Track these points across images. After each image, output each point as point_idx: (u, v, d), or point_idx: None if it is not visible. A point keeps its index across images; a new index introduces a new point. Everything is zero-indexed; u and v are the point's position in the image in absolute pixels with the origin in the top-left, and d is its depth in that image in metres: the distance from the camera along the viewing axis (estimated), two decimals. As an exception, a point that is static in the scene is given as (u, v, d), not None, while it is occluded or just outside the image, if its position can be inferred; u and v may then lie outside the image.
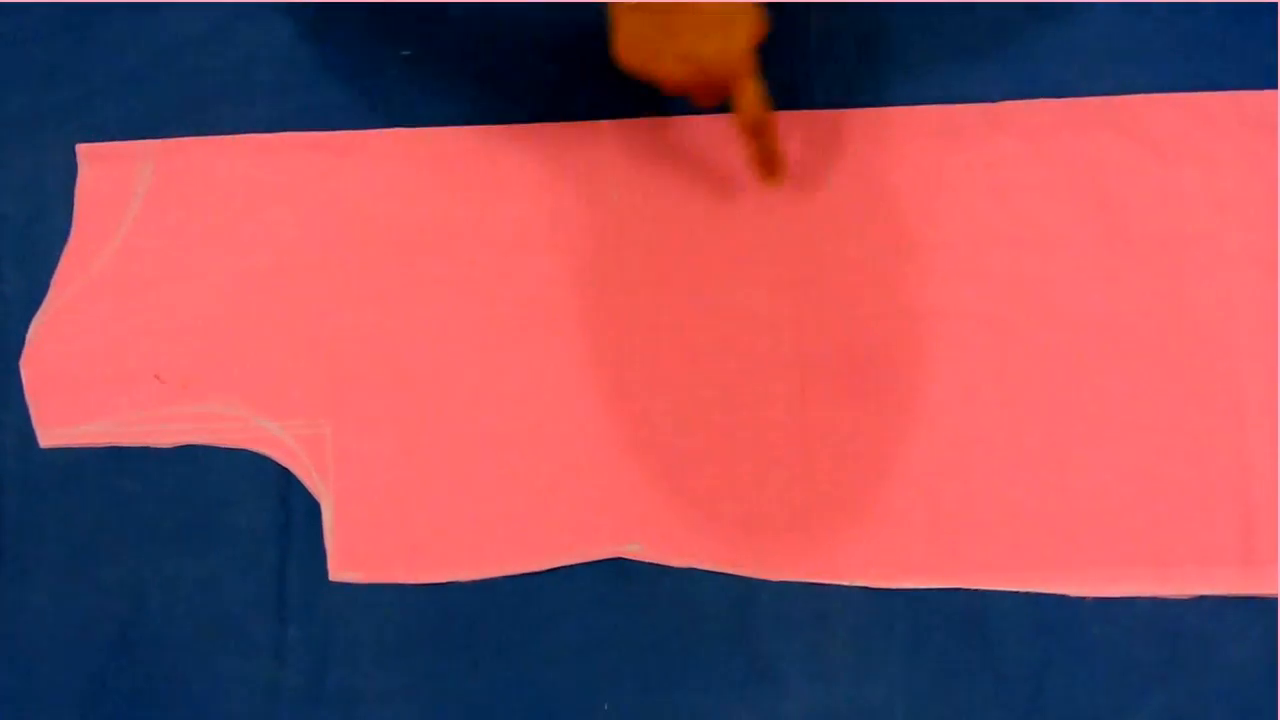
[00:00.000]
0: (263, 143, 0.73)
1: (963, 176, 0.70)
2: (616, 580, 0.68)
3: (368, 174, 0.72)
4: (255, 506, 0.69)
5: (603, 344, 0.70)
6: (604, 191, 0.72)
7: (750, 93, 0.62)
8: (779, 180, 0.66)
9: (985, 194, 0.70)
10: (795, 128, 0.71)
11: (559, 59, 0.73)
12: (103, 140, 0.73)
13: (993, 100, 0.71)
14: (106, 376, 0.70)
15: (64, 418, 0.70)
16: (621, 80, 0.72)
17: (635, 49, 0.61)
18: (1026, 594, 0.66)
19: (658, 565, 0.68)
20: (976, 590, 0.66)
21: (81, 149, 0.73)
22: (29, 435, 0.70)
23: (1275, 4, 0.71)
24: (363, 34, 0.73)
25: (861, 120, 0.71)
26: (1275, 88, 0.70)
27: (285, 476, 0.69)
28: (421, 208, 0.72)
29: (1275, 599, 0.65)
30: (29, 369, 0.71)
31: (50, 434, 0.70)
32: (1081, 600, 0.66)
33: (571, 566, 0.68)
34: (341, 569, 0.68)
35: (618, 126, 0.73)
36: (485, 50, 0.74)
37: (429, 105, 0.73)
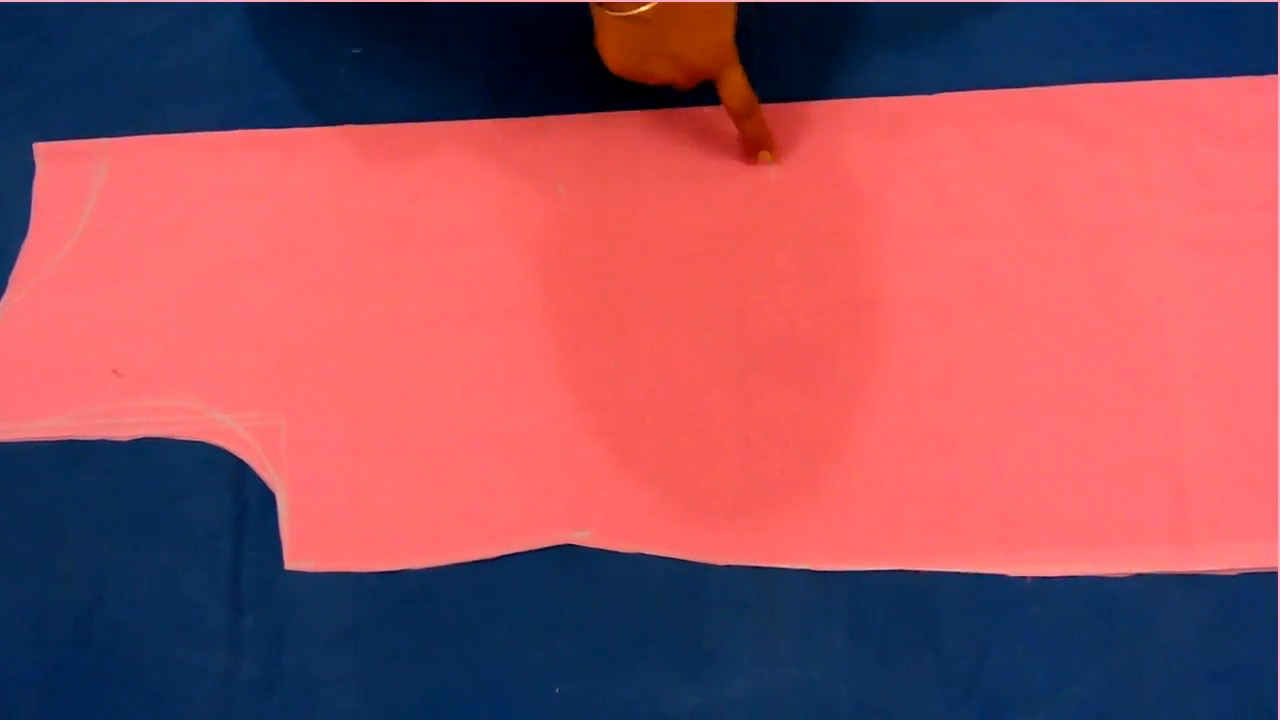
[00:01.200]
0: (215, 140, 0.74)
1: (902, 167, 0.72)
2: (565, 566, 0.69)
3: (319, 170, 0.74)
4: (211, 498, 0.70)
5: (550, 335, 0.71)
6: (551, 186, 0.73)
7: (736, 80, 0.65)
8: (773, 156, 0.70)
9: (924, 183, 0.71)
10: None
11: (506, 55, 0.75)
12: (59, 139, 0.74)
13: (931, 93, 0.73)
14: (63, 371, 0.72)
15: (21, 412, 0.71)
16: (569, 75, 0.73)
17: (627, 55, 0.64)
18: (966, 574, 0.67)
19: (605, 551, 0.69)
20: (917, 572, 0.67)
21: (39, 148, 0.74)
22: (-14, 430, 0.71)
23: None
24: (313, 32, 0.75)
25: (802, 113, 0.73)
26: (1204, 77, 0.72)
27: (240, 468, 0.70)
28: (372, 203, 0.73)
29: (1208, 576, 0.67)
30: (-14, 364, 0.72)
31: (7, 428, 0.71)
32: (1020, 580, 0.67)
33: (521, 554, 0.69)
34: (296, 558, 0.69)
35: (565, 122, 0.74)
36: (434, 47, 0.75)
37: (379, 102, 0.75)
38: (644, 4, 0.60)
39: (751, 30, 0.74)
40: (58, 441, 0.71)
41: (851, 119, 0.72)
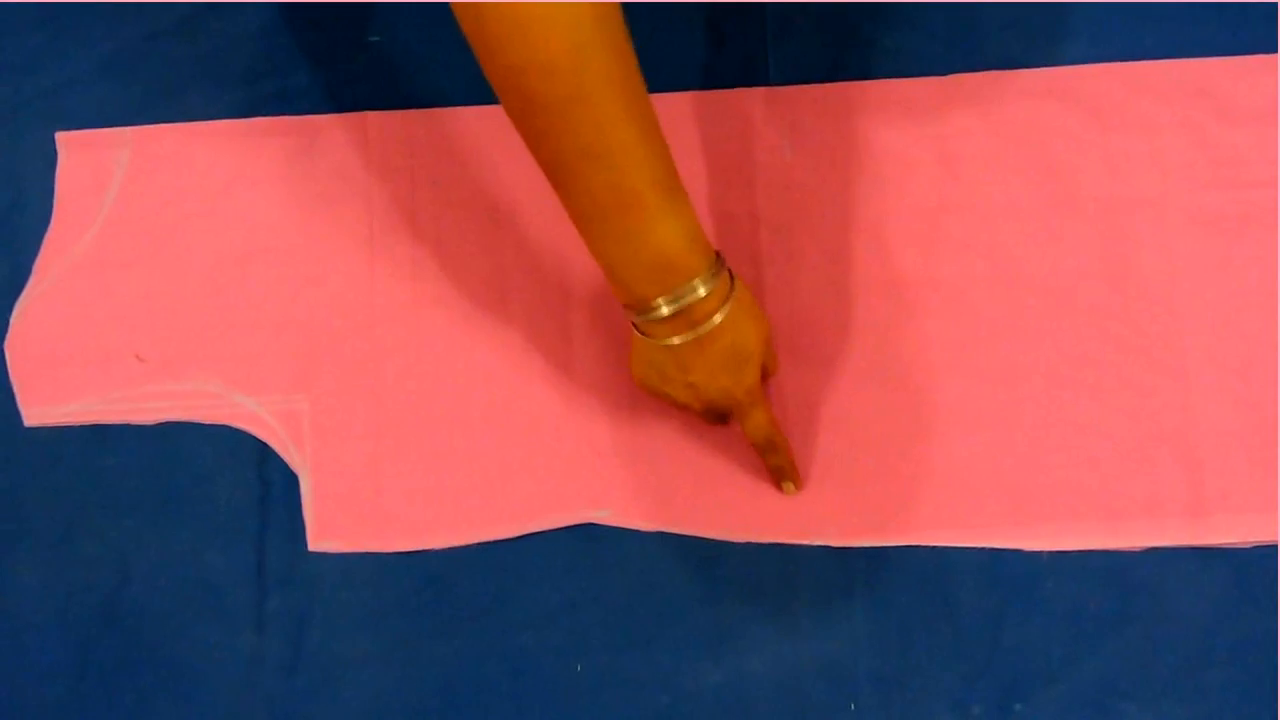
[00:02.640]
0: (236, 128, 0.75)
1: (916, 148, 0.72)
2: (587, 545, 0.70)
3: (338, 157, 0.74)
4: (235, 480, 0.71)
5: (569, 316, 0.72)
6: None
7: (758, 419, 0.65)
8: (797, 487, 0.68)
9: (937, 164, 0.72)
10: (753, 104, 0.73)
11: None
12: (81, 128, 0.75)
13: (943, 74, 0.73)
14: (88, 357, 0.72)
15: (47, 397, 0.72)
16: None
17: (647, 372, 0.63)
18: (982, 550, 0.68)
19: (627, 530, 0.70)
20: (934, 547, 0.68)
21: (61, 137, 0.75)
22: (13, 415, 0.72)
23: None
24: (331, 21, 0.76)
25: (818, 95, 0.73)
26: (1214, 56, 0.72)
27: (263, 451, 0.71)
28: (392, 189, 0.74)
29: (1222, 549, 0.67)
30: (13, 351, 0.73)
31: (34, 413, 0.72)
32: (1036, 555, 0.68)
33: (543, 533, 0.70)
34: (320, 539, 0.70)
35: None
36: (451, 33, 0.76)
37: (398, 89, 0.75)
38: (672, 340, 0.59)
39: (767, 13, 0.74)
40: (83, 426, 0.72)
41: (866, 101, 0.73)
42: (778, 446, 0.66)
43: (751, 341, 0.61)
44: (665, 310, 0.58)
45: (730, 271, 0.61)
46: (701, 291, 0.58)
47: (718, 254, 0.60)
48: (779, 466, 0.67)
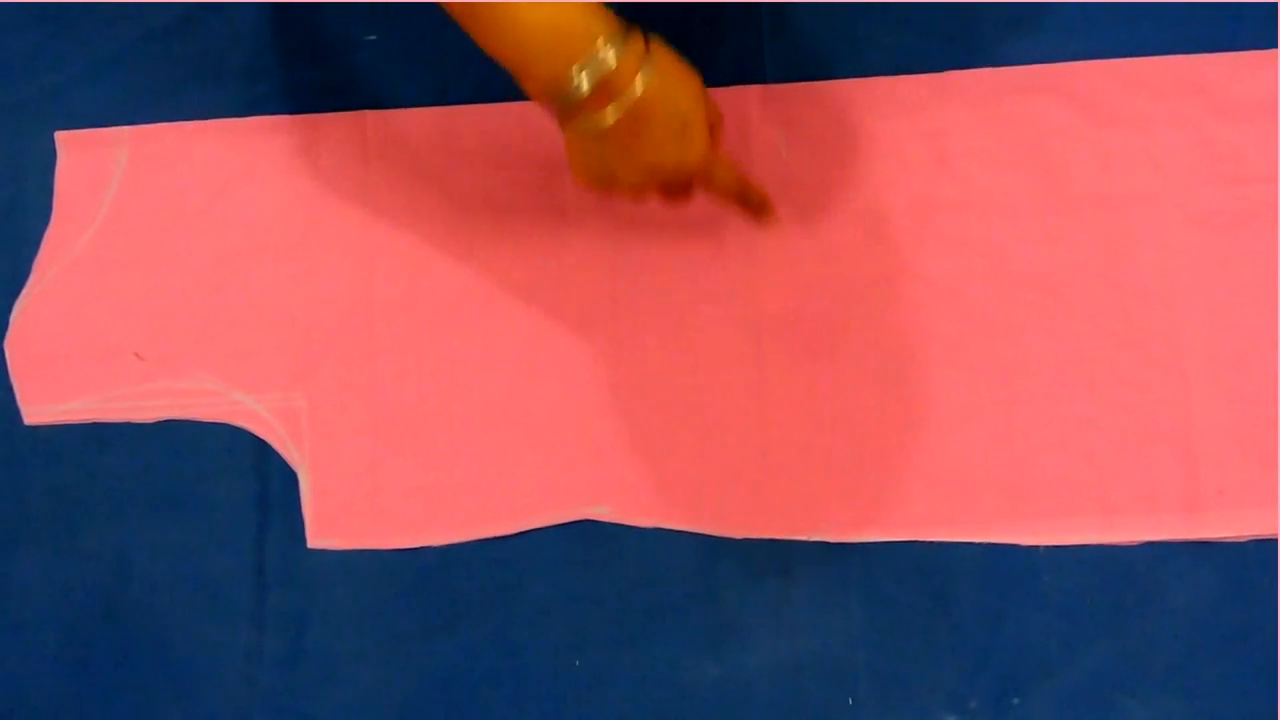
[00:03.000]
0: (235, 126, 0.75)
1: (912, 144, 0.72)
2: (585, 541, 0.70)
3: (337, 155, 0.75)
4: (234, 478, 0.71)
5: (566, 314, 0.72)
6: (565, 169, 0.74)
7: (721, 176, 0.63)
8: (772, 218, 0.68)
9: (934, 161, 0.72)
10: (749, 101, 0.73)
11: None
12: (80, 127, 0.75)
13: (939, 71, 0.73)
14: (88, 355, 0.73)
15: (47, 395, 0.72)
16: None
17: (594, 168, 0.60)
18: (979, 545, 0.68)
19: (625, 526, 0.70)
20: (931, 542, 0.69)
21: (60, 136, 0.75)
22: (13, 413, 0.72)
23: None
24: (329, 19, 0.76)
25: (814, 93, 0.74)
26: (1209, 52, 0.73)
27: (262, 448, 0.72)
28: (390, 187, 0.74)
29: (1218, 543, 0.67)
30: (12, 349, 0.73)
31: (34, 411, 0.72)
32: (1033, 549, 0.68)
33: (541, 529, 0.70)
34: (318, 536, 0.70)
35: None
36: (449, 32, 0.76)
37: (396, 87, 0.76)
38: (604, 121, 0.56)
39: (762, 11, 0.74)
40: (83, 424, 0.72)
41: (862, 98, 0.73)
42: (749, 188, 0.66)
43: (685, 102, 0.58)
44: (584, 85, 0.55)
45: (645, 35, 0.57)
46: (610, 56, 0.55)
47: (626, 22, 0.57)
48: (758, 205, 0.66)
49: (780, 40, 0.74)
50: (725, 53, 0.74)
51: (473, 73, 0.76)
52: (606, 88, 0.56)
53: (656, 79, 0.57)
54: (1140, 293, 0.70)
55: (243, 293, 0.73)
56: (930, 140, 0.72)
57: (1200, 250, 0.70)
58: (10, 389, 0.72)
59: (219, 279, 0.73)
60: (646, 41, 0.57)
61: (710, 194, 0.65)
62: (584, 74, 0.55)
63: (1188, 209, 0.71)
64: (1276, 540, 0.67)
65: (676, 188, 0.64)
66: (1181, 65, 0.72)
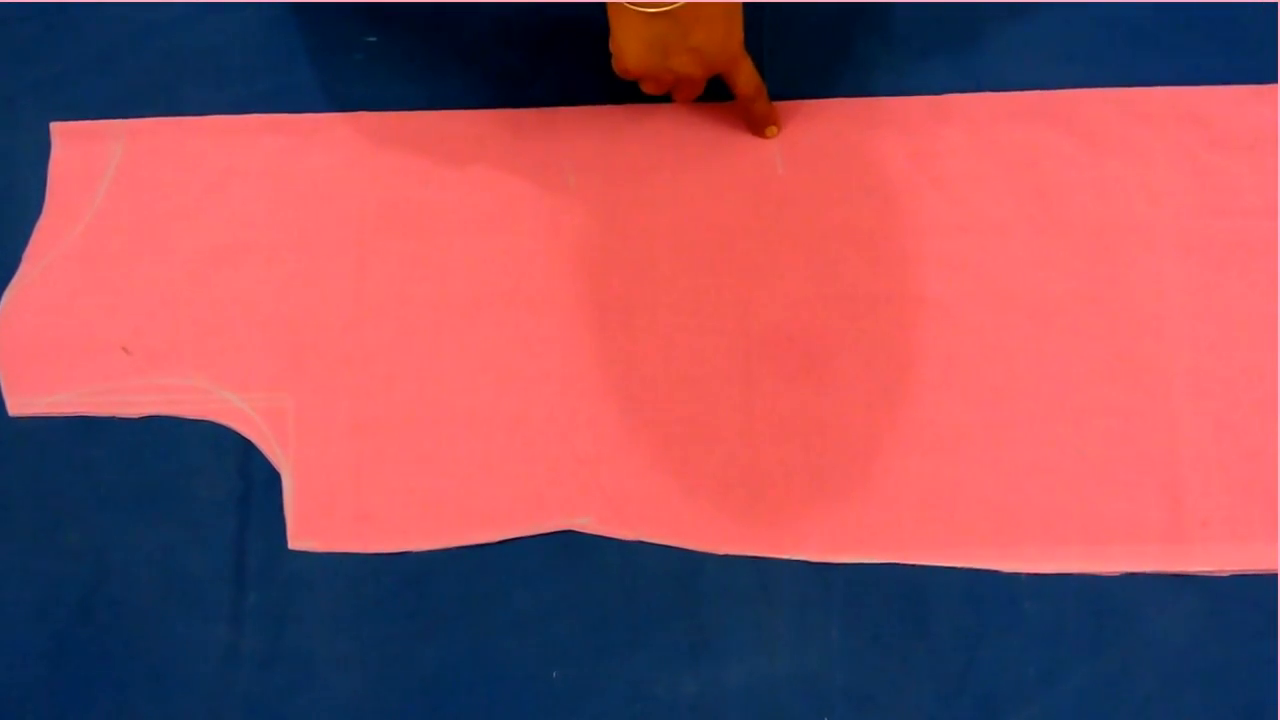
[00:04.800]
0: (231, 124, 0.75)
1: (907, 165, 0.72)
2: (566, 552, 0.70)
3: (332, 155, 0.75)
4: (217, 476, 0.71)
5: (555, 323, 0.72)
6: (562, 176, 0.74)
7: (748, 69, 0.69)
8: (778, 128, 0.73)
9: (929, 183, 0.72)
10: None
11: (520, 45, 0.76)
12: (76, 119, 0.75)
13: (938, 93, 0.74)
14: (75, 348, 0.72)
15: (33, 387, 0.72)
16: (581, 66, 0.74)
17: (650, 51, 0.65)
18: (962, 569, 0.68)
19: (606, 538, 0.70)
20: (914, 565, 0.68)
21: (55, 127, 0.75)
22: (-2, 404, 0.72)
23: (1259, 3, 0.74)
24: (328, 20, 0.76)
25: (812, 111, 0.74)
26: (1208, 84, 0.73)
27: (246, 447, 0.71)
28: (384, 189, 0.74)
29: (1201, 576, 0.67)
30: (0, 339, 0.73)
31: (20, 403, 0.72)
32: (1015, 576, 0.68)
33: (522, 538, 0.70)
34: (300, 538, 0.70)
35: (576, 112, 0.75)
36: (448, 36, 0.76)
37: (393, 89, 0.76)
38: (672, 2, 0.62)
39: (764, 28, 0.74)
40: (68, 417, 0.72)
41: (861, 117, 0.73)
42: (764, 92, 0.71)
43: None
44: None
45: None
46: None
47: None
48: (764, 112, 0.72)
49: (781, 57, 0.74)
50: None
51: (471, 78, 0.76)
52: None
53: None
54: (1131, 322, 0.70)
55: (233, 291, 0.73)
56: (927, 162, 0.72)
57: (1194, 282, 0.70)
58: (-4, 379, 0.72)
59: (210, 276, 0.73)
60: None
61: (734, 88, 0.70)
62: None
63: (1183, 240, 0.71)
64: (1263, 575, 0.67)
65: (706, 80, 0.69)
66: (1180, 96, 0.72)
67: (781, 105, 0.73)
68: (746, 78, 0.69)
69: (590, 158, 0.74)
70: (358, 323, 0.72)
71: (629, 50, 0.65)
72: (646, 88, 0.69)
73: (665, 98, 0.71)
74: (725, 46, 0.66)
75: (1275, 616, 0.67)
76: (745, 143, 0.74)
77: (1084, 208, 0.71)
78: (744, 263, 0.72)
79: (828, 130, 0.73)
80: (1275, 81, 0.73)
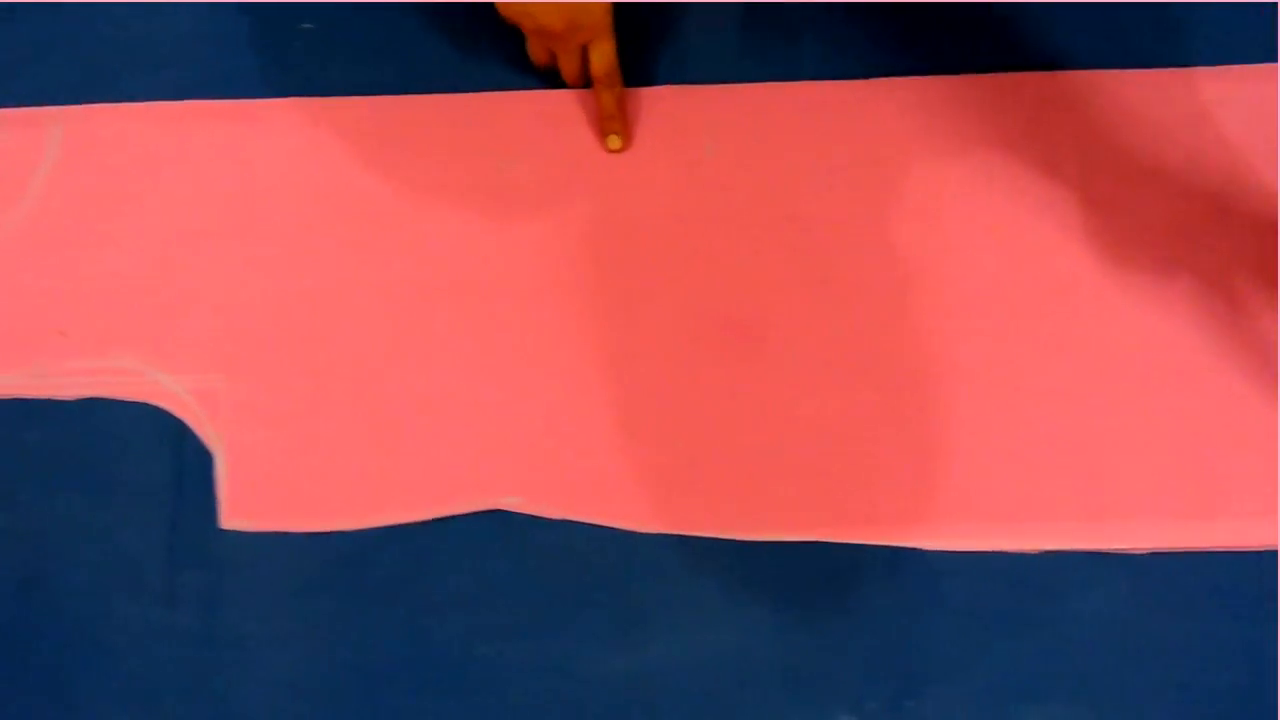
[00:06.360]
0: (170, 110, 0.76)
1: (838, 149, 0.74)
2: (497, 531, 0.70)
3: (270, 141, 0.75)
4: (152, 458, 0.72)
5: (487, 307, 0.73)
6: (502, 161, 0.75)
7: (605, 48, 0.70)
8: (622, 143, 0.73)
9: (859, 166, 0.73)
10: (677, 101, 0.75)
11: (457, 31, 0.77)
12: (14, 106, 0.76)
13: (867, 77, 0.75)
14: (12, 331, 0.73)
15: (-31, 369, 0.73)
16: (519, 53, 0.75)
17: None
18: (886, 547, 0.69)
19: (536, 517, 0.70)
20: (840, 544, 0.69)
21: (-7, 114, 0.76)
22: (-66, 385, 0.73)
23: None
24: (266, 7, 0.77)
25: (739, 96, 0.75)
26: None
27: (181, 429, 0.72)
28: (324, 174, 0.75)
29: (1123, 554, 0.68)
30: (-62, 323, 0.74)
31: (-44, 385, 0.73)
32: (937, 554, 0.69)
33: (453, 518, 0.71)
34: (232, 517, 0.71)
35: (518, 98, 0.76)
36: (386, 22, 0.77)
37: (332, 76, 0.77)
38: None
39: (693, 11, 0.75)
40: (4, 400, 0.73)
41: (790, 101, 0.74)
42: (616, 83, 0.72)
43: None
44: None
45: None
46: None
47: None
48: (610, 107, 0.72)
49: (708, 42, 0.76)
50: (653, 53, 0.75)
51: (408, 63, 0.77)
52: None
53: None
54: (1052, 304, 0.71)
55: (170, 275, 0.74)
56: (859, 145, 0.73)
57: (1105, 263, 0.71)
58: (-68, 361, 0.73)
59: (147, 260, 0.74)
60: None
61: (590, 64, 0.71)
62: None
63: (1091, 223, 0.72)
64: (1179, 552, 0.68)
65: (571, 46, 0.71)
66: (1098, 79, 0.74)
67: (704, 89, 0.75)
68: (602, 56, 0.71)
69: (533, 142, 0.75)
70: (293, 306, 0.73)
71: None
72: (532, 50, 0.71)
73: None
74: (589, 9, 0.68)
75: (1196, 593, 0.67)
76: (674, 130, 0.74)
77: (1003, 191, 0.72)
78: (677, 247, 0.73)
79: (756, 114, 0.74)
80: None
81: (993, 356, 0.70)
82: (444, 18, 0.77)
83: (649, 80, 0.75)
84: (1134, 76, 0.74)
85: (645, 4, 0.76)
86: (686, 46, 0.75)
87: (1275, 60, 0.74)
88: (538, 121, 0.75)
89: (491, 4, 0.69)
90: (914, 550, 0.69)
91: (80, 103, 0.76)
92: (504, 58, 0.76)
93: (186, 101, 0.76)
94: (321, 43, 0.77)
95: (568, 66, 0.73)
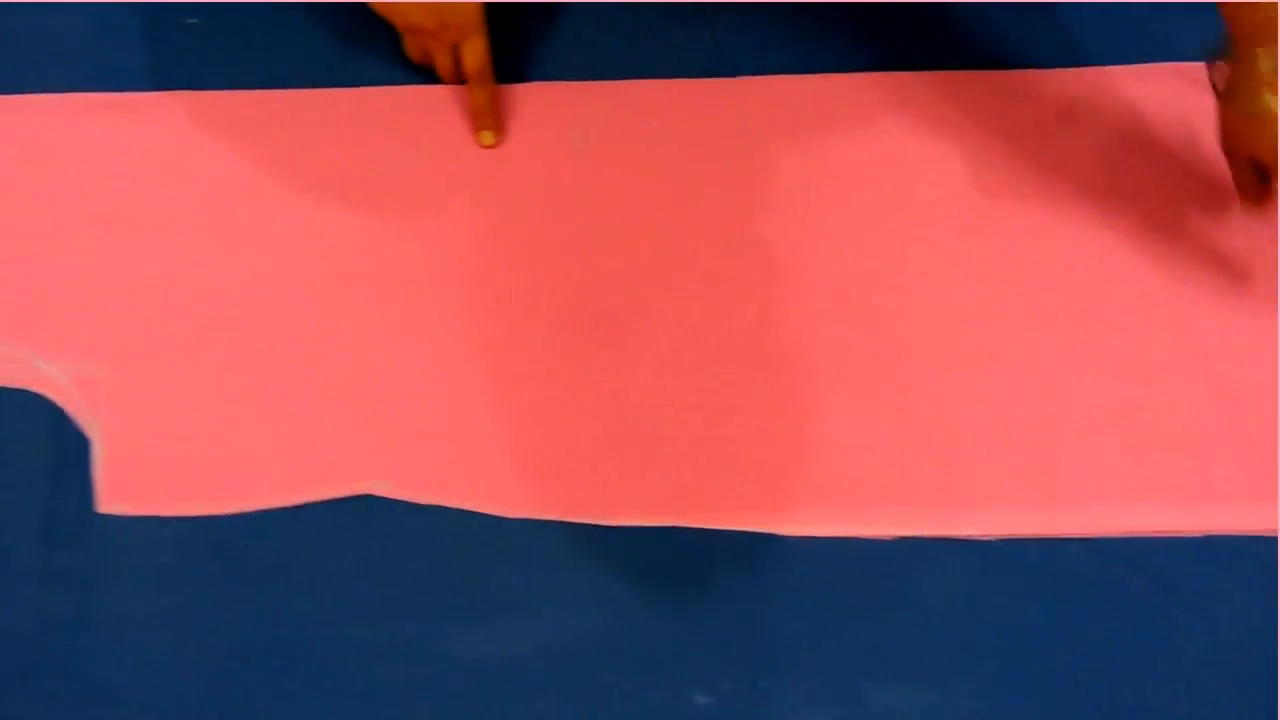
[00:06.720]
0: (56, 102, 0.78)
1: (700, 145, 0.77)
2: (365, 516, 0.72)
3: (157, 134, 0.78)
4: (31, 443, 0.73)
5: (356, 295, 0.75)
6: (379, 154, 0.77)
7: (478, 45, 0.72)
8: (494, 139, 0.75)
9: (718, 161, 0.76)
10: (543, 98, 0.78)
11: (342, 28, 0.79)
12: (-99, 98, 0.78)
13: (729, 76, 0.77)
14: (-107, 319, 0.75)
15: None
16: (402, 50, 0.77)
17: None
18: (739, 532, 0.71)
19: (402, 502, 0.72)
20: (698, 529, 0.71)
21: (-123, 107, 0.78)
22: None
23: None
24: (150, 4, 0.78)
25: (610, 92, 0.78)
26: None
27: (60, 415, 0.74)
28: (202, 167, 0.77)
29: (969, 540, 0.70)
30: None
31: None
32: (789, 539, 0.70)
33: (324, 502, 0.72)
34: (109, 502, 0.72)
35: (396, 94, 0.78)
36: (271, 19, 0.79)
37: (217, 70, 0.79)
38: None
39: (561, 11, 0.77)
40: (-115, 386, 0.74)
41: (654, 98, 0.77)
42: (488, 81, 0.74)
43: None
44: None
45: None
46: None
47: None
48: (481, 103, 0.75)
49: (581, 39, 0.78)
50: (527, 51, 0.77)
51: (291, 59, 0.79)
52: None
53: None
54: (911, 297, 0.73)
55: (51, 263, 0.76)
56: (719, 141, 0.76)
57: (969, 258, 0.73)
58: None
59: (29, 249, 0.76)
60: None
61: (462, 62, 0.74)
62: None
63: (960, 220, 0.74)
64: (1027, 539, 0.70)
65: (443, 43, 0.74)
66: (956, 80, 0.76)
67: (576, 86, 0.77)
68: (473, 53, 0.73)
69: (404, 138, 0.77)
70: (172, 295, 0.75)
71: None
72: (408, 47, 0.73)
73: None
74: (458, 7, 0.70)
75: (1040, 579, 0.69)
76: (546, 126, 0.76)
77: (868, 186, 0.74)
78: (546, 239, 0.75)
79: (626, 110, 0.76)
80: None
81: (847, 347, 0.72)
82: (327, 15, 0.79)
83: (523, 77, 0.77)
84: (989, 77, 0.76)
85: (518, 3, 0.77)
86: (560, 44, 0.77)
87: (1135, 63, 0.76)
88: (414, 116, 0.77)
89: (369, 2, 0.71)
90: (771, 536, 0.70)
91: (-36, 98, 0.77)
92: (385, 54, 0.78)
93: (73, 94, 0.78)
94: (206, 38, 0.78)
95: (441, 63, 0.75)
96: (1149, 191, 0.74)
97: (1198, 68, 0.72)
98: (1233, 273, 0.72)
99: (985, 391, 0.71)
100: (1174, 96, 0.76)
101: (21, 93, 0.78)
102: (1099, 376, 0.71)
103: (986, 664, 0.68)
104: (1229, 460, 0.69)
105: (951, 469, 0.70)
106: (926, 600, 0.69)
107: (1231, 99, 0.67)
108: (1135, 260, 0.73)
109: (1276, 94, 0.64)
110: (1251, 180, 0.71)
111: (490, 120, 0.74)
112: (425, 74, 0.77)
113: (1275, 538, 0.68)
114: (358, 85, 0.78)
